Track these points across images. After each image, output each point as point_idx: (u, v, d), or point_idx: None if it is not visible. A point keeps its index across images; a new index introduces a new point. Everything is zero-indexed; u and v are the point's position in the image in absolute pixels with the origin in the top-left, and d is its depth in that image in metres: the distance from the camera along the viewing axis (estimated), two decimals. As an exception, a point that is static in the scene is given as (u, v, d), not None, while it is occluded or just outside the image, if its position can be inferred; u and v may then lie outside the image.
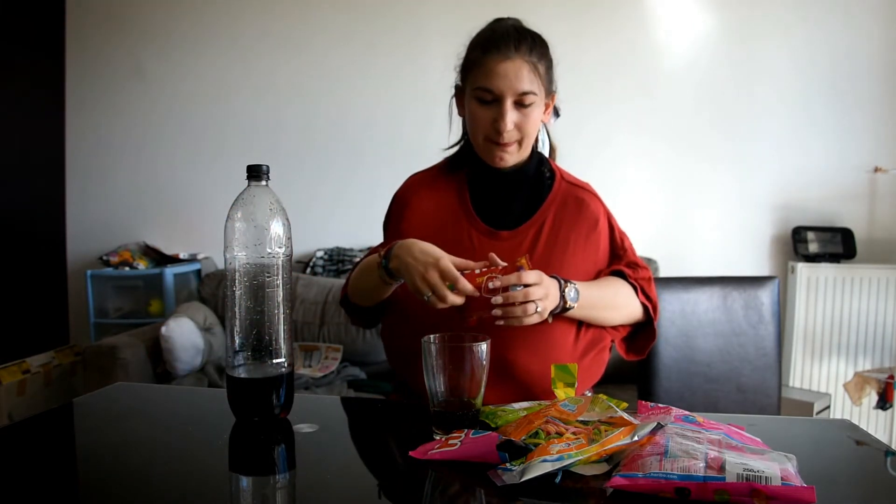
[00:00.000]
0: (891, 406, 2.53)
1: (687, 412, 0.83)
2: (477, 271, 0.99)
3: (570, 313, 1.06)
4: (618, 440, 0.71)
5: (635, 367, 1.68)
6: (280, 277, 0.89)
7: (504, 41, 1.08)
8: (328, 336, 2.69)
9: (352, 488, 0.73)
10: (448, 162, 1.25)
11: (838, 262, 2.72)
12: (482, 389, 0.85)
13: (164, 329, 2.46)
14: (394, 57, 3.01)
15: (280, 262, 0.89)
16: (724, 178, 2.87)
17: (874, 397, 2.57)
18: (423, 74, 2.89)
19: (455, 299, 0.98)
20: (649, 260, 2.71)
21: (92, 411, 1.02)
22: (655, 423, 0.73)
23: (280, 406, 0.90)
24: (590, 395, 1.07)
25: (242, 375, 0.89)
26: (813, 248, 2.74)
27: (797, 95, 2.81)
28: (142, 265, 2.95)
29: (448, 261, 0.98)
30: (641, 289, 1.15)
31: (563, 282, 1.04)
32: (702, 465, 0.65)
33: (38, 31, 3.15)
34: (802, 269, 2.70)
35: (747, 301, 1.65)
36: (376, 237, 1.33)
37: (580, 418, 0.80)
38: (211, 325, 2.67)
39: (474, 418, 0.85)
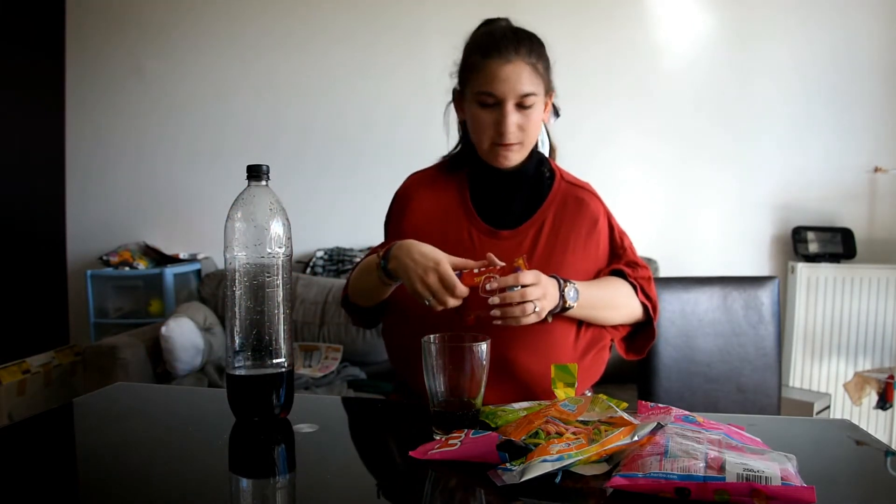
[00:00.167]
0: (891, 406, 2.53)
1: (687, 412, 0.83)
2: (475, 271, 0.99)
3: (569, 313, 1.06)
4: (618, 440, 0.71)
5: (635, 367, 1.68)
6: (280, 277, 0.89)
7: (504, 44, 1.08)
8: (328, 336, 2.69)
9: (352, 488, 0.73)
10: (448, 162, 1.25)
11: (838, 262, 2.72)
12: (482, 389, 0.85)
13: (164, 329, 2.46)
14: (394, 56, 3.01)
15: (280, 262, 0.89)
16: (725, 177, 2.87)
17: (874, 397, 2.57)
18: (422, 74, 2.89)
19: (454, 302, 0.99)
20: (649, 260, 2.71)
21: (92, 411, 1.02)
22: (655, 423, 0.73)
23: (280, 406, 0.90)
24: (590, 394, 1.07)
25: (242, 375, 0.89)
26: (813, 248, 2.73)
27: (797, 95, 2.81)
28: (142, 265, 2.95)
29: (448, 265, 0.98)
30: (641, 288, 1.15)
31: (562, 281, 1.04)
32: (702, 465, 0.65)
33: (38, 31, 3.15)
34: (802, 269, 2.70)
35: (747, 301, 1.65)
36: (376, 237, 1.33)
37: (580, 418, 0.80)
38: (211, 325, 2.67)
39: (474, 418, 0.85)
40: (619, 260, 1.20)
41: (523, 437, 0.75)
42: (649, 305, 1.16)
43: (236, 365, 0.89)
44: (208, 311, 2.74)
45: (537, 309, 0.97)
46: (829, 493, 0.66)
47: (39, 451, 0.83)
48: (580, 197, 1.20)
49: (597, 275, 1.17)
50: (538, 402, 0.97)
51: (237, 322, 0.89)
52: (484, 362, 0.84)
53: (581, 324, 1.13)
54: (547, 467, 0.67)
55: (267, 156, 2.58)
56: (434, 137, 1.30)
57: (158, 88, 3.16)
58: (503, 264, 0.99)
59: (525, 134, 1.11)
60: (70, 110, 3.23)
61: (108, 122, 3.20)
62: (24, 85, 3.10)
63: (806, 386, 2.71)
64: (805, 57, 2.80)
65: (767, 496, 0.61)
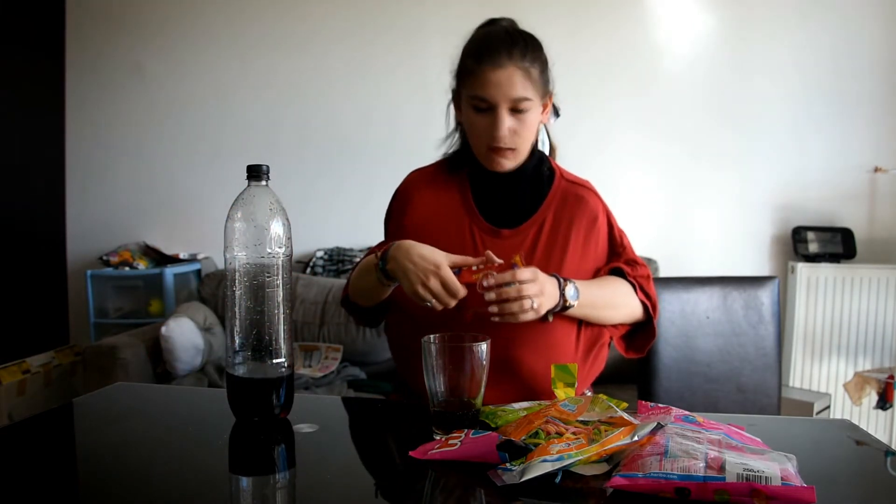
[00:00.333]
0: (891, 406, 2.53)
1: (687, 412, 0.83)
2: (473, 268, 1.00)
3: (569, 311, 1.06)
4: (618, 440, 0.71)
5: (635, 366, 1.68)
6: (280, 277, 0.89)
7: (496, 49, 1.08)
8: (328, 336, 2.69)
9: (352, 488, 0.73)
10: (448, 161, 1.26)
11: (838, 262, 2.72)
12: (482, 389, 0.85)
13: (164, 329, 2.46)
14: (393, 56, 3.01)
15: (280, 262, 0.89)
16: (725, 177, 2.87)
17: (874, 397, 2.56)
18: (422, 73, 2.89)
19: (454, 303, 0.99)
20: (649, 260, 2.71)
21: (92, 411, 1.02)
22: (655, 423, 0.73)
23: (280, 406, 0.90)
24: (590, 394, 1.07)
25: (242, 375, 0.89)
26: (813, 248, 2.73)
27: (797, 95, 2.81)
28: (142, 265, 2.95)
29: (448, 269, 0.99)
30: (640, 286, 1.16)
31: (562, 280, 1.04)
32: (702, 465, 0.65)
33: (38, 31, 3.15)
34: (802, 269, 2.70)
35: (747, 301, 1.65)
36: (376, 237, 1.33)
37: (580, 418, 0.80)
38: (211, 325, 2.67)
39: (474, 418, 0.85)
40: (618, 258, 1.20)
41: (523, 437, 0.76)
42: (649, 304, 1.16)
43: (236, 365, 0.89)
44: (208, 311, 2.74)
45: (535, 305, 0.97)
46: (829, 493, 0.66)
47: (39, 451, 0.83)
48: (579, 194, 1.20)
49: (596, 273, 1.18)
50: (538, 402, 0.97)
51: (237, 322, 0.89)
52: (484, 362, 0.84)
53: (581, 323, 1.13)
54: (547, 467, 0.67)
55: (267, 156, 2.58)
56: (434, 137, 1.30)
57: (158, 88, 3.16)
58: (501, 261, 1.00)
59: (519, 139, 1.11)
60: (70, 110, 3.23)
61: (108, 122, 3.20)
62: (24, 85, 3.09)
63: (806, 386, 2.71)
64: (805, 57, 2.80)
65: (767, 496, 0.61)
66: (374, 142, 3.02)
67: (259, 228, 0.87)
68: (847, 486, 0.75)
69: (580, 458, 0.69)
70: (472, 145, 1.17)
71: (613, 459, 0.73)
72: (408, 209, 1.21)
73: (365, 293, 1.17)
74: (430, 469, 0.75)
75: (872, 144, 2.78)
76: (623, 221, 1.27)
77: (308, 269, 2.94)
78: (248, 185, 0.89)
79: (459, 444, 0.76)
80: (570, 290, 1.04)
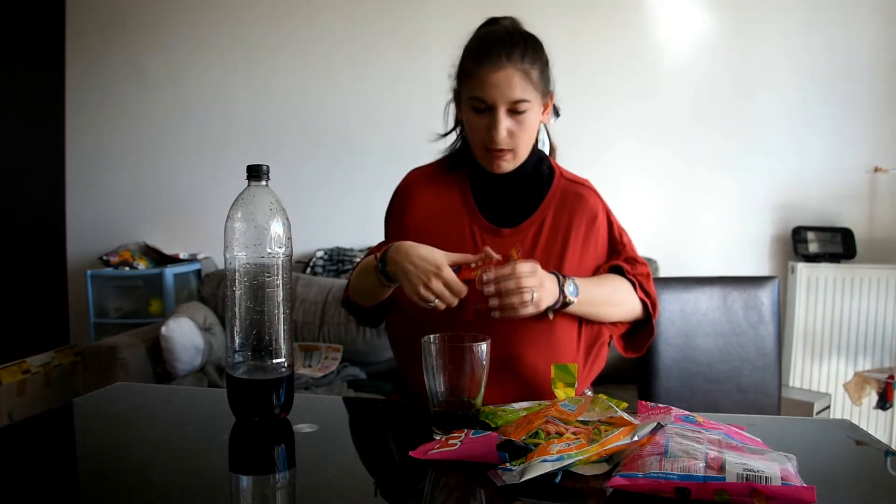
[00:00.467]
0: (891, 406, 2.53)
1: (687, 412, 0.83)
2: (472, 265, 1.00)
3: (569, 309, 1.07)
4: (618, 440, 0.71)
5: (635, 366, 1.68)
6: (280, 277, 0.89)
7: (495, 50, 1.08)
8: (328, 336, 2.69)
9: (352, 488, 0.73)
10: (448, 160, 1.26)
11: (838, 262, 2.72)
12: (482, 389, 0.85)
13: (164, 329, 2.46)
14: (394, 57, 3.00)
15: (280, 262, 0.89)
16: (725, 178, 2.87)
17: (874, 397, 2.56)
18: (423, 74, 2.89)
19: (456, 301, 1.00)
20: (649, 260, 2.71)
21: (92, 411, 1.03)
22: (655, 423, 0.73)
23: (280, 406, 0.90)
24: (590, 394, 1.07)
25: (242, 375, 0.89)
26: (813, 248, 2.73)
27: (797, 95, 2.81)
28: (142, 265, 2.95)
29: (449, 269, 0.99)
30: (640, 284, 1.16)
31: (561, 277, 1.04)
32: (702, 465, 0.65)
33: (38, 31, 3.15)
34: (802, 269, 2.70)
35: (747, 301, 1.65)
36: (376, 237, 1.33)
37: (580, 418, 0.80)
38: (211, 325, 2.67)
39: (474, 418, 0.85)
40: (618, 256, 1.20)
41: (523, 437, 0.75)
42: (648, 302, 1.16)
43: (236, 365, 0.89)
44: (208, 311, 2.74)
45: (535, 298, 0.97)
46: (829, 493, 0.66)
47: (39, 451, 0.83)
48: (579, 192, 1.20)
49: (596, 270, 1.18)
50: (538, 402, 0.97)
51: (237, 322, 0.89)
52: (484, 362, 0.84)
53: (582, 321, 1.13)
54: (547, 467, 0.67)
55: (266, 156, 2.58)
56: (434, 138, 1.30)
57: (159, 89, 3.16)
58: (499, 257, 1.00)
59: (517, 140, 1.11)
60: (70, 110, 3.23)
61: (109, 122, 3.20)
62: (24, 85, 3.09)
63: (806, 386, 2.71)
64: (805, 57, 2.80)
65: (767, 496, 0.61)
66: (374, 142, 3.02)
67: (259, 228, 0.87)
68: (847, 486, 0.75)
69: (580, 458, 0.69)
70: (471, 146, 1.17)
71: (613, 459, 0.73)
72: (408, 208, 1.21)
73: (365, 294, 1.17)
74: (430, 469, 0.75)
75: (872, 144, 2.78)
76: (623, 221, 1.27)
77: (308, 269, 2.94)
78: (248, 185, 0.89)
79: (459, 444, 0.76)
80: (569, 286, 1.05)
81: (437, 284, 0.98)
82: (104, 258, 2.97)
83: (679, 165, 2.89)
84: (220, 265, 3.06)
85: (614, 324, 1.18)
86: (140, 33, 3.16)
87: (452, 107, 1.24)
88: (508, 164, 1.14)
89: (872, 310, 2.66)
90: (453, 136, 1.26)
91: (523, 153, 1.15)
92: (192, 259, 3.09)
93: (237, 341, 0.89)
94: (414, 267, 1.00)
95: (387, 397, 1.39)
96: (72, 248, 3.25)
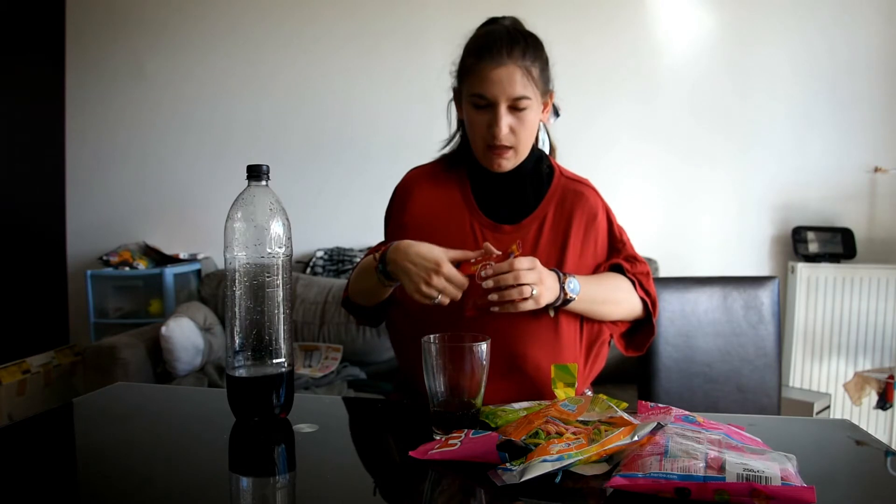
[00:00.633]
0: (891, 406, 2.53)
1: (687, 412, 0.83)
2: (472, 260, 1.00)
3: (570, 307, 1.07)
4: (618, 440, 0.71)
5: (635, 366, 1.68)
6: (280, 277, 0.89)
7: (496, 47, 1.08)
8: (328, 336, 2.69)
9: (352, 488, 0.73)
10: (447, 159, 1.26)
11: (838, 262, 2.72)
12: (482, 389, 0.85)
13: (164, 329, 2.46)
14: (395, 57, 3.00)
15: (280, 262, 0.89)
16: (725, 178, 2.87)
17: (874, 397, 2.56)
18: (424, 74, 2.88)
19: (460, 294, 1.00)
20: (649, 259, 2.71)
21: (92, 411, 1.02)
22: (655, 423, 0.73)
23: (280, 406, 0.90)
24: (590, 394, 1.07)
25: (242, 375, 0.89)
26: (813, 248, 2.73)
27: (797, 95, 2.81)
28: (142, 265, 2.95)
29: (449, 265, 0.99)
30: (640, 283, 1.16)
31: (562, 275, 1.04)
32: (702, 465, 0.65)
33: (38, 31, 3.15)
34: (802, 269, 2.70)
35: (747, 301, 1.65)
36: (376, 237, 1.33)
37: (580, 418, 0.80)
38: (211, 325, 2.67)
39: (474, 418, 0.85)
40: (617, 254, 1.20)
41: (523, 437, 0.75)
42: (648, 301, 1.16)
43: (236, 365, 0.89)
44: (208, 311, 2.74)
45: (534, 293, 0.97)
46: (829, 493, 0.66)
47: (39, 451, 0.83)
48: (579, 191, 1.20)
49: (596, 269, 1.18)
50: (538, 402, 0.97)
51: (237, 322, 0.89)
52: (484, 362, 0.84)
53: (583, 320, 1.13)
54: (547, 467, 0.67)
55: (267, 156, 2.58)
56: (436, 138, 1.30)
57: (159, 89, 3.16)
58: (500, 253, 1.00)
59: (517, 138, 1.12)
60: (70, 110, 3.23)
61: (109, 122, 3.20)
62: (24, 85, 3.10)
63: (806, 386, 2.71)
64: (805, 57, 2.80)
65: (767, 496, 0.61)
66: (374, 142, 3.02)
67: (259, 228, 0.87)
68: (847, 486, 0.75)
69: (580, 458, 0.69)
70: (472, 144, 1.17)
71: (613, 459, 0.73)
72: (408, 206, 1.21)
73: (365, 294, 1.17)
74: (430, 469, 0.75)
75: (872, 144, 2.78)
76: (623, 221, 1.27)
77: (308, 269, 2.94)
78: (248, 185, 0.89)
79: (459, 444, 0.76)
80: (570, 284, 1.05)
81: (438, 280, 0.98)
82: (104, 258, 2.97)
83: (679, 165, 2.89)
84: (220, 265, 3.06)
85: (615, 322, 1.18)
86: (140, 33, 3.16)
87: (453, 108, 1.24)
88: (508, 163, 1.15)
89: (872, 310, 2.66)
90: (456, 137, 1.26)
91: (523, 151, 1.15)
92: (192, 259, 3.09)
93: (237, 341, 0.89)
94: (414, 265, 1.00)
95: (387, 397, 1.39)
96: (72, 248, 3.25)
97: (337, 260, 2.94)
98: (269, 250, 0.88)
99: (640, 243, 1.35)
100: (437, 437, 0.83)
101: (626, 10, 2.90)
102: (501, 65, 1.07)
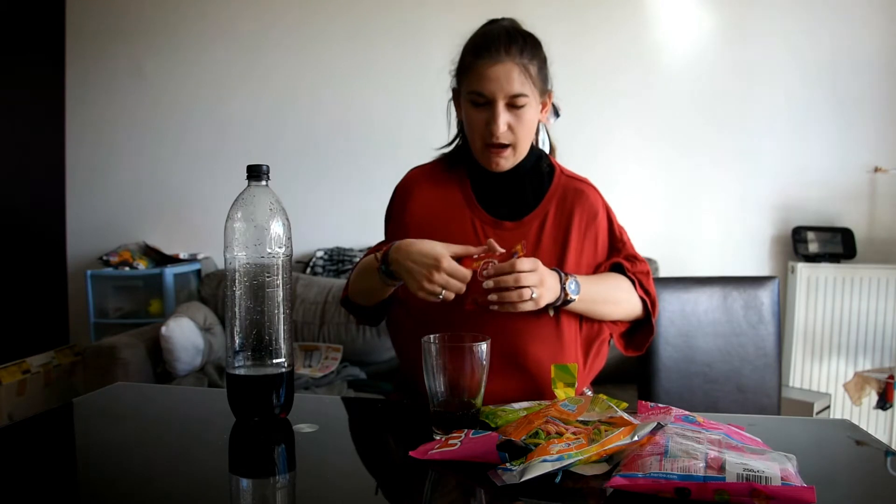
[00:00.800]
0: (891, 406, 2.53)
1: (687, 412, 0.83)
2: (475, 256, 1.00)
3: (570, 306, 1.07)
4: (618, 440, 0.71)
5: (635, 366, 1.68)
6: (280, 277, 0.89)
7: (494, 45, 1.09)
8: (328, 336, 2.69)
9: (352, 488, 0.73)
10: (447, 158, 1.26)
11: (838, 262, 2.72)
12: (482, 389, 0.85)
13: (164, 329, 2.46)
14: (395, 56, 3.00)
15: (280, 262, 0.89)
16: (725, 177, 2.87)
17: (874, 397, 2.56)
18: (423, 74, 2.88)
19: (464, 287, 1.00)
20: (650, 260, 2.71)
21: (92, 411, 1.03)
22: (655, 423, 0.73)
23: (280, 406, 0.90)
24: (590, 394, 1.07)
25: (242, 375, 0.89)
26: (813, 248, 2.73)
27: (797, 95, 2.81)
28: (142, 265, 2.95)
29: (450, 259, 0.99)
30: (640, 283, 1.16)
31: (563, 275, 1.05)
32: (702, 465, 0.65)
33: (38, 31, 3.14)
34: (802, 269, 2.70)
35: (747, 301, 1.65)
36: (376, 236, 1.33)
37: (580, 418, 0.80)
38: (211, 325, 2.67)
39: (474, 418, 0.85)
40: (617, 253, 1.20)
41: (523, 437, 0.75)
42: (648, 300, 1.16)
43: (236, 365, 0.89)
44: (208, 311, 2.74)
45: (535, 296, 0.97)
46: (829, 493, 0.66)
47: (39, 451, 0.83)
48: (580, 189, 1.20)
49: (596, 268, 1.18)
50: (538, 402, 0.97)
51: (237, 322, 0.89)
52: (484, 362, 0.84)
53: (582, 319, 1.13)
54: (547, 467, 0.67)
55: (267, 156, 2.58)
56: (435, 137, 1.30)
57: (159, 88, 3.16)
58: (503, 250, 1.00)
59: (516, 136, 1.12)
60: (70, 110, 3.23)
61: (108, 122, 3.20)
62: (24, 85, 3.10)
63: (806, 386, 2.71)
64: (805, 56, 2.80)
65: (767, 496, 0.61)
66: (375, 142, 3.02)
67: (259, 228, 0.87)
68: (847, 486, 0.75)
69: (580, 458, 0.69)
70: (470, 143, 1.17)
71: (613, 459, 0.73)
72: (408, 205, 1.21)
73: (366, 293, 1.17)
74: (430, 469, 0.75)
75: (872, 144, 2.78)
76: (623, 221, 1.27)
77: (308, 269, 2.94)
78: (248, 185, 0.89)
79: (459, 444, 0.76)
80: (571, 284, 1.05)
81: (439, 277, 0.98)
82: (104, 258, 2.97)
83: (679, 165, 2.89)
84: (220, 265, 3.06)
85: (615, 322, 1.18)
86: (140, 33, 3.16)
87: (452, 108, 1.24)
88: (507, 162, 1.15)
89: (872, 310, 2.66)
90: (452, 135, 1.27)
91: (522, 150, 1.15)
92: (192, 259, 3.09)
93: (237, 341, 0.89)
94: (415, 264, 1.00)
95: (387, 397, 1.39)
96: (72, 248, 3.25)
97: (337, 260, 2.94)
98: (269, 250, 0.88)
99: (640, 243, 1.35)
100: (437, 437, 0.83)
101: (626, 7, 2.89)
102: (499, 62, 1.08)
